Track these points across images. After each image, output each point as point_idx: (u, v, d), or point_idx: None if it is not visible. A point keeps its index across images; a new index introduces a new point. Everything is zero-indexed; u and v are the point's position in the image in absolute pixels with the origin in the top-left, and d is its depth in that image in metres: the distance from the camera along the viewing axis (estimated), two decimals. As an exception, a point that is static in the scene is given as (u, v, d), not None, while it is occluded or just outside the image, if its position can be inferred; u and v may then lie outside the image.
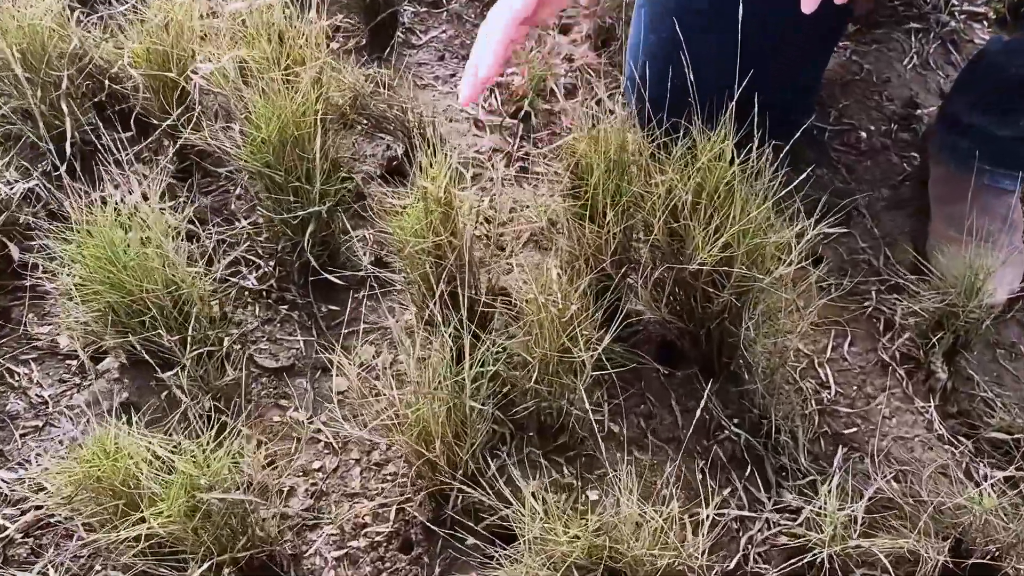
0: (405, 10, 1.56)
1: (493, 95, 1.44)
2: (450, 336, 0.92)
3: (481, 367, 0.93)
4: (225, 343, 1.04)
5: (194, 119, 1.10)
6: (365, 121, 1.29)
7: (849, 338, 1.21)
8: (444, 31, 1.55)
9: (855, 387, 1.16)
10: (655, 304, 1.04)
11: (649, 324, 1.10)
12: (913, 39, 1.65)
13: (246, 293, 1.15)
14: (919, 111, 1.52)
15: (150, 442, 0.83)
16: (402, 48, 1.50)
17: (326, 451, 1.03)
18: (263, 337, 1.12)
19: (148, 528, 0.80)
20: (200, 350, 1.00)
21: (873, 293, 1.25)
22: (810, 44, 1.23)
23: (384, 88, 1.29)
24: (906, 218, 1.35)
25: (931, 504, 0.95)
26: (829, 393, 1.15)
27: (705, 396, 1.06)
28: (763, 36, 0.96)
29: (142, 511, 0.81)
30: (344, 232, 1.13)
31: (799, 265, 0.99)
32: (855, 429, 1.11)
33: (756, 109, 0.89)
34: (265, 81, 1.02)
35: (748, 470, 1.04)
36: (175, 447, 0.83)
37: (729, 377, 1.10)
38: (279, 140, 1.01)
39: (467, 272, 0.92)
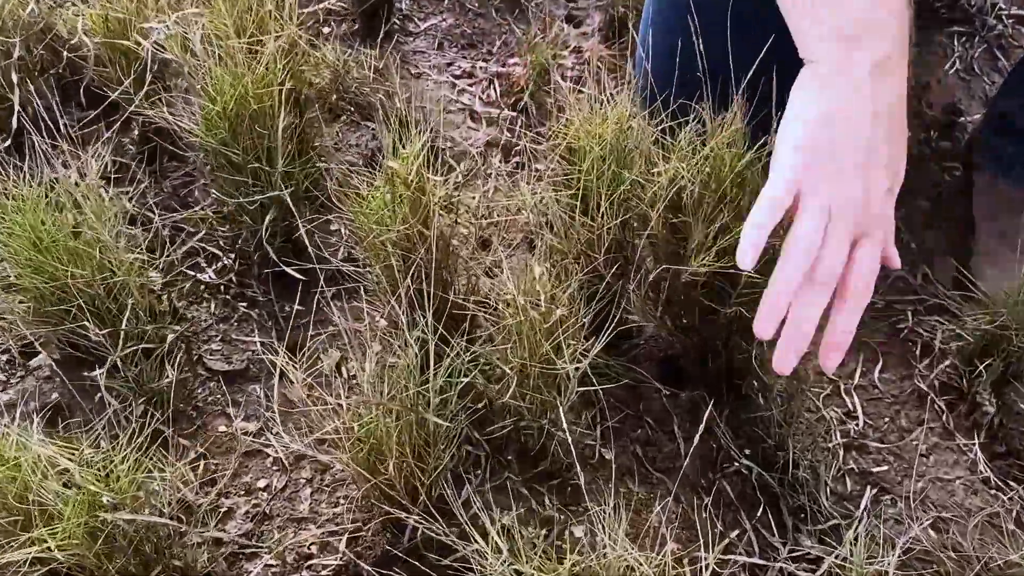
0: (404, -3, 1.45)
1: (492, 86, 1.32)
2: (416, 341, 0.80)
3: (450, 377, 0.80)
4: (168, 340, 0.92)
5: (146, 90, 0.98)
6: (351, 108, 1.18)
7: (881, 363, 1.07)
8: (444, 19, 1.44)
9: (887, 419, 1.02)
10: (652, 313, 0.90)
11: (650, 337, 0.97)
12: (956, 43, 1.51)
13: (202, 287, 1.04)
14: (962, 118, 1.38)
15: (52, 452, 0.70)
16: (398, 35, 1.39)
17: (275, 468, 0.91)
18: (216, 336, 1.00)
19: (40, 551, 0.68)
20: (135, 347, 0.88)
21: (909, 313, 1.11)
22: None
23: (370, 71, 1.18)
24: (948, 232, 1.21)
25: (977, 560, 0.80)
26: (857, 424, 1.00)
27: (706, 417, 0.92)
28: None
29: (38, 530, 0.69)
30: (312, 222, 1.01)
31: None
32: (886, 467, 0.97)
33: (775, 87, 0.75)
34: (225, 48, 0.90)
35: (760, 510, 0.90)
36: (83, 458, 0.71)
37: (740, 401, 0.96)
38: (236, 114, 0.90)
39: (433, 267, 0.79)
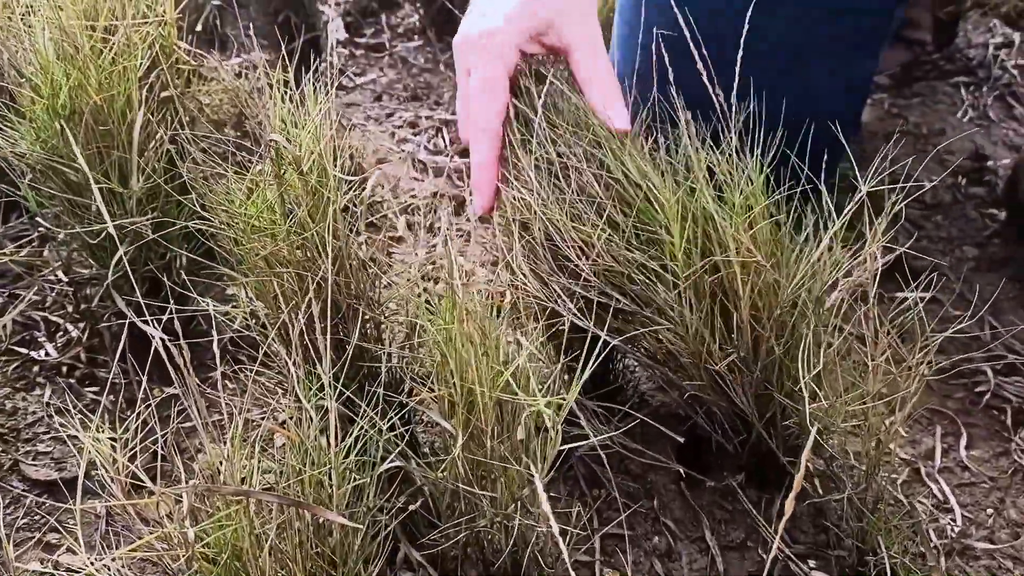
0: (338, 52, 1.26)
1: (440, 134, 1.10)
2: (314, 402, 0.52)
3: (364, 456, 0.52)
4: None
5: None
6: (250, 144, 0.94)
7: (965, 437, 0.80)
8: (384, 75, 1.24)
9: (989, 510, 0.74)
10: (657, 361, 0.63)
11: (655, 389, 0.69)
12: (964, 92, 1.36)
13: (36, 369, 0.75)
14: (990, 163, 1.20)
15: None
16: (325, 88, 1.18)
17: (105, 622, 0.59)
18: (45, 435, 0.71)
19: None
20: None
21: (989, 373, 0.85)
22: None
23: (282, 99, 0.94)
24: (1007, 280, 0.98)
25: None
26: (953, 519, 0.72)
27: (750, 512, 0.63)
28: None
29: None
30: (197, 264, 0.74)
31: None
32: (1006, 578, 0.68)
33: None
34: (59, 26, 0.67)
35: (848, 650, 0.59)
36: None
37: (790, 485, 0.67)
38: (72, 110, 0.65)
39: (330, 289, 0.53)
